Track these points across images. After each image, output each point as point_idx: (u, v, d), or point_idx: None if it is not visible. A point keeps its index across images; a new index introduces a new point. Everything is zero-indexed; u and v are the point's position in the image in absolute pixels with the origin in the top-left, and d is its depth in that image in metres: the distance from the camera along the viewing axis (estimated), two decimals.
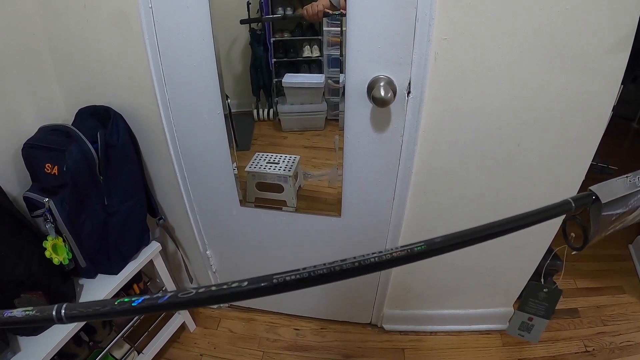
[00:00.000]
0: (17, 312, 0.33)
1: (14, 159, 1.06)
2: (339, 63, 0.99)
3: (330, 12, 0.95)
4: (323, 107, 1.18)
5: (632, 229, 1.93)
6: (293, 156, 1.27)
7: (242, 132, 1.22)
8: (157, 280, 1.39)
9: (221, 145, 1.16)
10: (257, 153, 1.27)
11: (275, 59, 1.17)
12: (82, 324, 1.09)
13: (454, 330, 1.55)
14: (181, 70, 1.04)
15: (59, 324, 0.33)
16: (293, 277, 0.32)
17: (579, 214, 0.49)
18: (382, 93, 0.92)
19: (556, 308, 0.83)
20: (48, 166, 1.00)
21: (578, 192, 1.09)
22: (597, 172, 2.13)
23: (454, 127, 1.02)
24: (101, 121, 1.10)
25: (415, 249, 0.34)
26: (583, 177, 1.08)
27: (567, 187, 1.10)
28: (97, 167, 1.04)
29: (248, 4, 1.03)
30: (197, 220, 1.38)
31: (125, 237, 1.16)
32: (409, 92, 0.97)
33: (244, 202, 1.30)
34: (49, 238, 0.99)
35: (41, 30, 1.06)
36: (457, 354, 1.47)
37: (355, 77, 0.97)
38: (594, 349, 1.46)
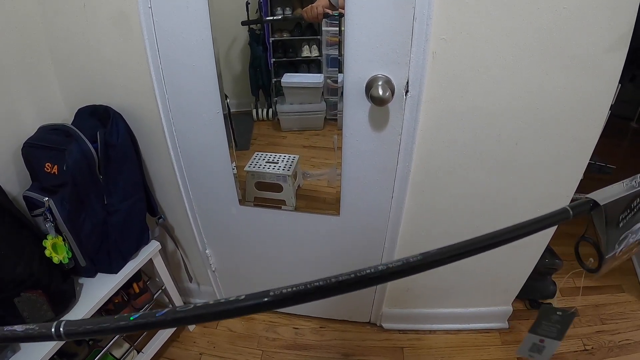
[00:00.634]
0: (18, 328, 0.34)
1: (14, 159, 1.07)
2: (337, 63, 1.00)
3: (330, 12, 0.96)
4: (322, 107, 1.19)
5: None
6: (292, 156, 1.27)
7: (241, 131, 1.22)
8: (157, 279, 1.40)
9: (220, 144, 1.17)
10: (256, 153, 1.27)
11: (274, 59, 1.17)
12: None
13: (453, 329, 1.55)
14: (180, 70, 1.05)
15: (58, 341, 0.34)
16: (290, 290, 0.32)
17: (587, 234, 0.48)
18: (380, 92, 0.92)
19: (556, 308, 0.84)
20: (48, 165, 1.00)
21: (575, 192, 1.09)
22: (595, 171, 2.12)
23: (452, 126, 1.02)
24: (101, 121, 1.10)
25: (412, 261, 0.34)
26: (581, 176, 1.08)
27: (565, 186, 1.11)
28: (96, 166, 1.04)
29: (247, 4, 1.03)
30: (197, 219, 1.38)
31: (124, 236, 1.17)
32: (407, 91, 0.97)
33: (243, 201, 1.30)
34: (49, 237, 0.99)
35: (41, 30, 1.07)
36: (456, 353, 1.47)
37: (354, 76, 0.98)
38: (592, 348, 1.46)
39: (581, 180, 1.09)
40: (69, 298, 1.07)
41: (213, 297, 1.65)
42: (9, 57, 1.02)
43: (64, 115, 1.19)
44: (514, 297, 1.48)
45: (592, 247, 0.48)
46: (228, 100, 1.10)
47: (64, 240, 1.04)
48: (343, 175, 1.16)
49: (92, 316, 1.10)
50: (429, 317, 1.54)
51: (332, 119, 1.11)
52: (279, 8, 1.08)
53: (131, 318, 0.32)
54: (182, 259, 1.48)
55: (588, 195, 0.44)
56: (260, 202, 1.31)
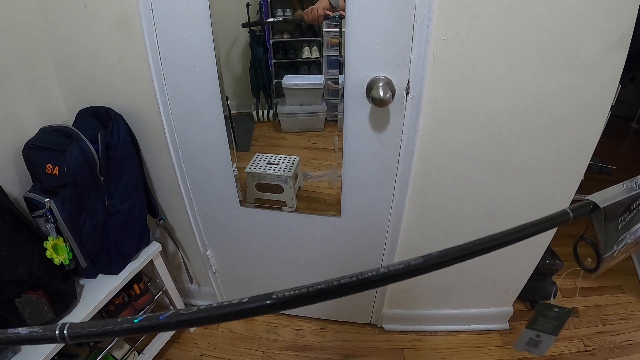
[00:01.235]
0: (22, 330, 0.34)
1: (15, 160, 1.07)
2: (338, 64, 1.00)
3: (331, 13, 0.96)
4: (322, 108, 1.19)
5: None
6: (293, 157, 1.27)
7: (241, 133, 1.22)
8: (157, 280, 1.40)
9: (221, 146, 1.17)
10: (257, 154, 1.28)
11: (274, 60, 1.18)
12: None
13: (453, 330, 1.55)
14: (181, 71, 1.05)
15: (62, 343, 0.34)
16: (292, 293, 0.32)
17: (586, 234, 0.49)
18: (381, 93, 0.92)
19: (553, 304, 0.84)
20: (49, 167, 1.00)
21: (576, 192, 1.09)
22: (596, 172, 2.13)
23: (452, 127, 1.02)
24: (102, 122, 1.10)
25: (413, 263, 0.34)
26: (582, 177, 1.08)
27: (566, 187, 1.11)
28: (97, 167, 1.04)
29: (247, 5, 1.04)
30: (197, 220, 1.39)
31: (125, 237, 1.17)
32: (407, 93, 0.97)
33: (244, 202, 1.30)
34: (50, 238, 0.99)
35: (42, 31, 1.07)
36: (457, 354, 1.47)
37: (354, 78, 0.98)
38: (593, 349, 1.46)
39: (582, 180, 1.09)
40: (69, 299, 1.07)
41: (214, 298, 1.66)
42: (10, 58, 1.02)
43: (65, 117, 1.19)
44: (515, 298, 1.47)
45: (591, 247, 0.48)
46: (229, 101, 1.10)
47: (64, 241, 1.04)
48: (344, 176, 1.16)
49: (92, 317, 1.10)
50: (430, 318, 1.54)
51: (333, 120, 1.11)
52: (279, 9, 1.08)
53: (135, 321, 0.32)
54: (183, 260, 1.48)
55: (588, 197, 0.44)
56: (260, 204, 1.31)
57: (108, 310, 1.23)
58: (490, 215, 1.19)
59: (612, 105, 0.96)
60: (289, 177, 1.25)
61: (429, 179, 1.13)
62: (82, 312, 1.07)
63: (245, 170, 1.26)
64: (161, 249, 1.30)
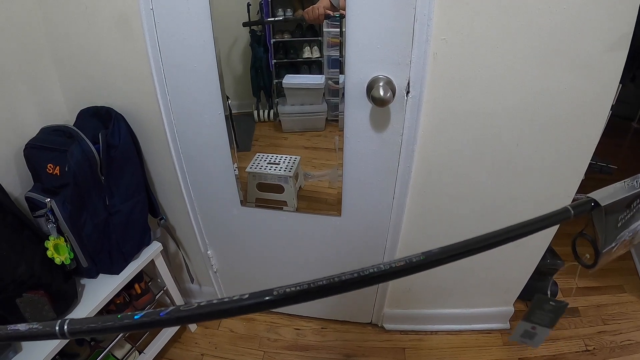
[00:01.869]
0: (22, 327, 0.34)
1: (16, 160, 1.07)
2: (338, 64, 1.00)
3: (331, 13, 0.96)
4: (323, 108, 1.19)
5: None
6: (293, 157, 1.27)
7: (242, 132, 1.22)
8: (158, 280, 1.40)
9: (222, 146, 1.17)
10: (258, 154, 1.28)
11: (275, 60, 1.18)
12: None
13: (454, 329, 1.55)
14: (182, 71, 1.05)
15: (62, 339, 0.34)
16: (294, 289, 0.32)
17: (586, 230, 0.49)
18: (382, 93, 0.92)
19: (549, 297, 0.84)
20: (50, 166, 1.00)
21: (577, 192, 1.09)
22: (596, 171, 2.12)
23: (453, 126, 1.02)
24: (102, 122, 1.10)
25: (414, 260, 0.34)
26: (582, 176, 1.08)
27: (567, 187, 1.10)
28: (98, 167, 1.05)
29: (248, 5, 1.04)
30: (198, 220, 1.39)
31: (126, 237, 1.17)
32: (408, 92, 0.97)
33: (244, 202, 1.30)
34: (51, 238, 0.99)
35: (43, 31, 1.07)
36: (457, 353, 1.47)
37: (355, 77, 0.98)
38: (594, 348, 1.46)
39: (582, 180, 1.09)
40: (70, 299, 1.07)
41: (215, 297, 1.65)
42: (11, 59, 1.03)
43: (66, 117, 1.20)
44: (516, 297, 1.47)
45: (590, 244, 0.49)
46: (229, 101, 1.11)
47: (65, 241, 1.04)
48: (344, 176, 1.16)
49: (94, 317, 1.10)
50: (431, 318, 1.54)
51: (334, 120, 1.11)
52: (280, 9, 1.08)
53: (135, 317, 0.32)
54: (184, 259, 1.48)
55: (589, 195, 0.44)
56: (261, 203, 1.31)
57: (109, 310, 1.24)
58: (490, 215, 1.19)
59: (612, 105, 0.96)
60: (290, 176, 1.25)
61: (429, 179, 1.13)
62: (83, 311, 1.07)
63: (246, 170, 1.26)
64: (162, 248, 1.31)
